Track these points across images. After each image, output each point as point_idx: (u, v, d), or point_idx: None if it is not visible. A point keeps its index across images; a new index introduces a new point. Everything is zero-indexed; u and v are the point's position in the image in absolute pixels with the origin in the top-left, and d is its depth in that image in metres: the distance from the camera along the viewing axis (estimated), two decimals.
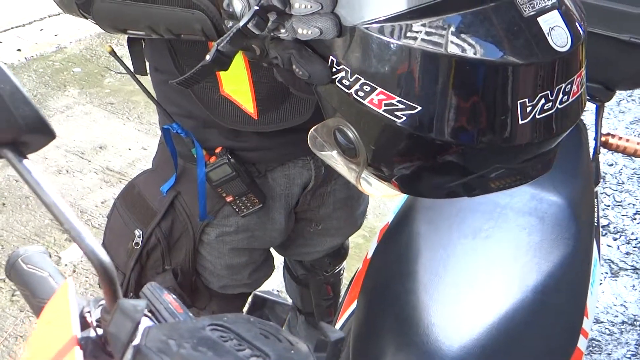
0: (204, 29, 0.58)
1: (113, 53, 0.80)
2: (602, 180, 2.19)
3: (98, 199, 1.98)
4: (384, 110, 0.44)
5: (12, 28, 3.09)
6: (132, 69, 0.80)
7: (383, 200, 1.91)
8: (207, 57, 0.48)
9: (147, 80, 0.82)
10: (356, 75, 0.45)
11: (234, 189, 0.80)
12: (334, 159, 0.52)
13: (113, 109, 2.48)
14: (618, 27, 0.93)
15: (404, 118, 0.44)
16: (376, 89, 0.44)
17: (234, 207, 0.82)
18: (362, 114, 0.46)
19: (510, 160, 0.49)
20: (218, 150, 0.79)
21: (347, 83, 0.45)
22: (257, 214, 0.85)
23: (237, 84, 0.73)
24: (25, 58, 2.82)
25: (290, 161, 0.85)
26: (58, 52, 2.91)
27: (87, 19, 0.66)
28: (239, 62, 0.71)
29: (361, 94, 0.45)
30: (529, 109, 0.44)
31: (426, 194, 0.55)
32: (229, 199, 0.81)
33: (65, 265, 1.71)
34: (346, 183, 0.95)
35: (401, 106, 0.44)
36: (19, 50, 2.89)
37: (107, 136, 2.30)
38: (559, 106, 0.46)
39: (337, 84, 0.46)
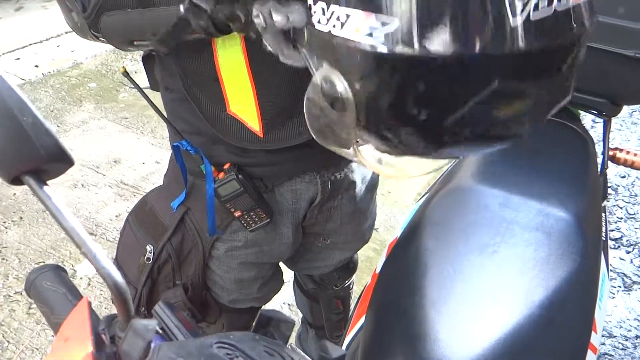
0: (202, 25, 0.59)
1: (126, 74, 0.83)
2: (614, 192, 2.17)
3: (112, 213, 2.01)
4: (362, 36, 0.42)
5: (29, 45, 3.18)
6: (147, 85, 0.83)
7: (393, 214, 1.91)
8: (180, 7, 0.47)
9: (158, 99, 0.85)
10: (331, 5, 0.43)
11: (242, 204, 0.82)
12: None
13: (127, 123, 2.52)
14: (623, 43, 0.94)
15: (383, 39, 0.41)
16: (350, 14, 0.42)
17: (242, 222, 0.84)
18: (343, 50, 0.44)
19: (511, 74, 0.43)
20: (226, 166, 0.81)
21: (325, 21, 0.44)
22: (265, 229, 0.87)
23: (243, 103, 0.75)
24: (43, 74, 2.89)
25: (297, 176, 0.86)
26: (74, 68, 2.98)
27: (98, 38, 0.69)
28: (245, 82, 0.73)
29: (338, 25, 0.43)
30: (519, 7, 0.40)
31: (435, 143, 0.47)
32: (237, 214, 0.82)
33: (81, 278, 1.74)
34: (353, 197, 0.96)
35: (377, 24, 0.41)
36: (36, 66, 2.97)
37: (122, 150, 2.34)
38: (557, 9, 0.42)
39: (317, 25, 0.45)
